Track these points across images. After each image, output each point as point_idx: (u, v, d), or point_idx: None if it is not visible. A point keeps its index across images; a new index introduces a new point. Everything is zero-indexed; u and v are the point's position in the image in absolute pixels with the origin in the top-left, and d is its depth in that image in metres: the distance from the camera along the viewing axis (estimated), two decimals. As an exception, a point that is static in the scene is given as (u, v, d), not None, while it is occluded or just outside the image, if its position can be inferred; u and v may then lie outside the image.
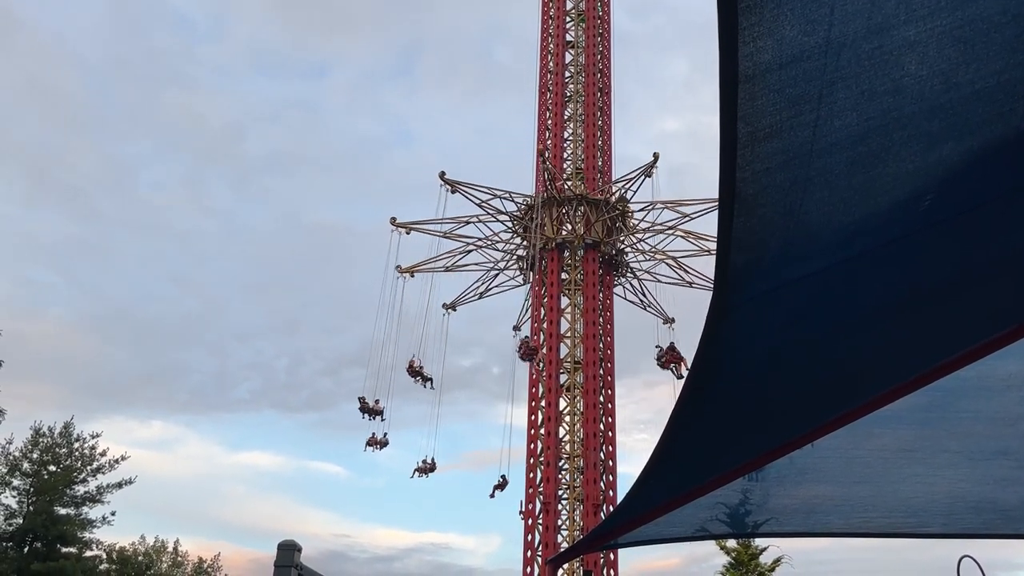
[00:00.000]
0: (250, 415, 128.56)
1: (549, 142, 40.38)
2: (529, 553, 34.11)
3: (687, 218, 38.17)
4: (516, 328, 41.59)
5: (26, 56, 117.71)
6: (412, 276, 39.73)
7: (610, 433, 36.58)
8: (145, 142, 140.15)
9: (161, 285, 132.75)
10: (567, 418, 36.63)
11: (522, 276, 40.62)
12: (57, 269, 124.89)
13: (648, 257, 40.17)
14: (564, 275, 38.04)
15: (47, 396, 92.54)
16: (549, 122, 41.47)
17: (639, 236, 39.67)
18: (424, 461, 37.27)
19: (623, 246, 39.87)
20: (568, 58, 42.87)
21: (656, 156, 38.70)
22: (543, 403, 36.38)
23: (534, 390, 37.16)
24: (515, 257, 40.26)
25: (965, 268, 3.35)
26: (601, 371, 36.95)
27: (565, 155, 40.87)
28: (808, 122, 2.20)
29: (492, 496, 36.54)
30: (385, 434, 37.41)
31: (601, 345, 37.00)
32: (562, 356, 37.38)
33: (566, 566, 32.30)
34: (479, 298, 41.67)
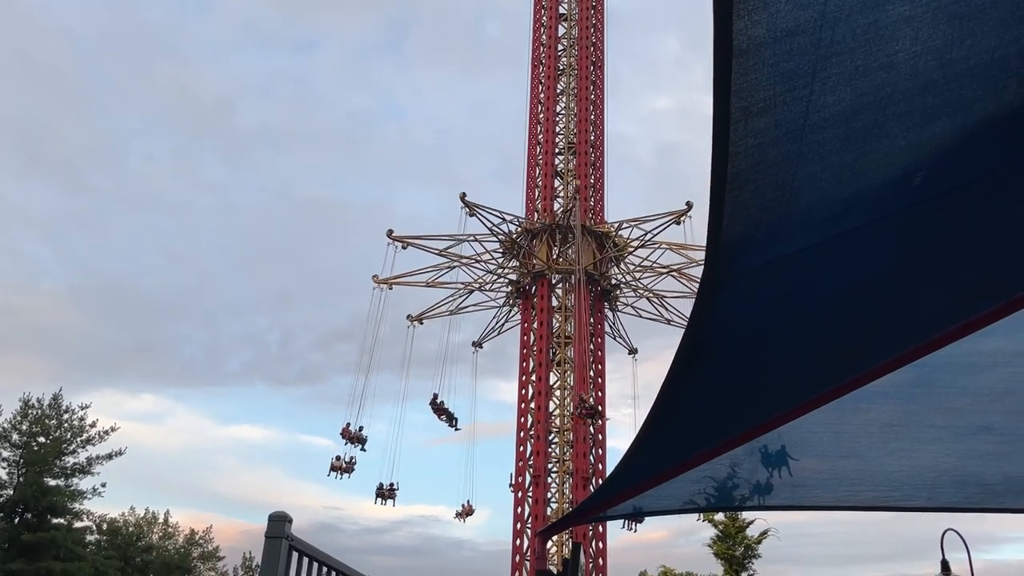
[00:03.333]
0: (241, 388, 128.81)
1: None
2: (519, 525, 34.41)
3: (694, 263, 36.92)
4: (478, 345, 41.42)
5: (16, 29, 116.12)
6: (391, 288, 39.01)
7: (600, 408, 36.79)
8: (136, 116, 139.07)
9: (153, 259, 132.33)
10: (557, 392, 36.79)
11: (508, 299, 40.10)
12: (48, 242, 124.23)
13: (639, 295, 39.93)
14: (555, 302, 37.69)
15: (37, 368, 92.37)
16: (542, 95, 41.20)
17: (635, 274, 39.29)
18: (338, 458, 35.90)
19: (616, 280, 39.42)
20: (561, 31, 42.52)
21: (690, 205, 36.61)
22: (534, 377, 36.50)
23: (525, 364, 37.26)
24: (506, 280, 39.79)
25: (954, 245, 3.36)
26: (592, 345, 37.08)
27: (558, 128, 40.63)
28: (801, 97, 2.19)
29: (376, 503, 36.02)
30: (361, 428, 36.06)
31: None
32: (553, 330, 37.48)
33: (555, 538, 32.58)
34: (449, 315, 40.90)
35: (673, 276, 37.98)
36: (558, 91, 41.31)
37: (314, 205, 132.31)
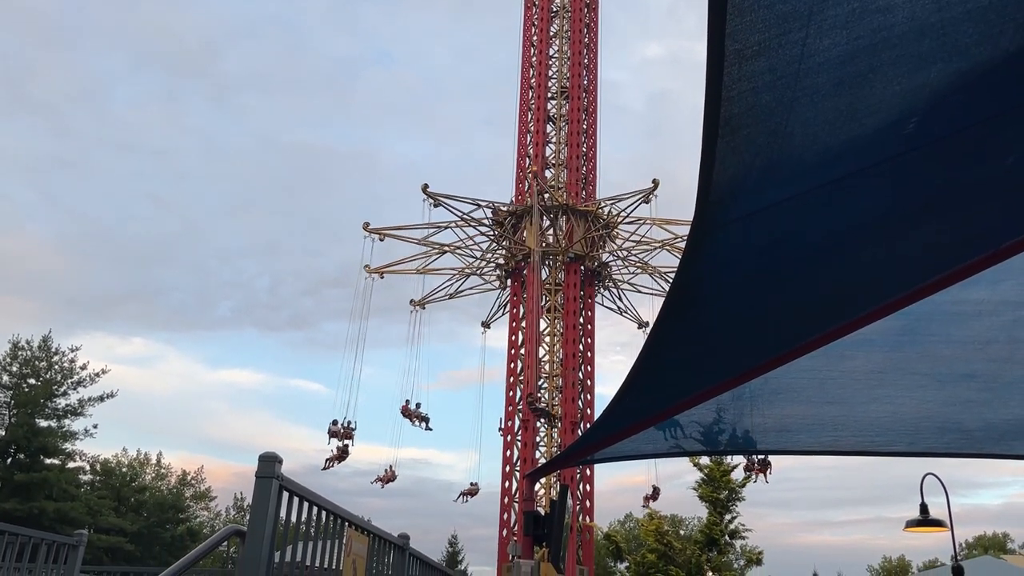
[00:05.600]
0: (231, 333, 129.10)
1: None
2: (508, 468, 34.92)
3: (680, 239, 36.26)
4: (486, 325, 40.77)
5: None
6: (382, 277, 38.03)
7: (589, 354, 37.05)
8: (119, 57, 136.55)
9: (140, 203, 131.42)
10: (547, 339, 37.00)
11: (499, 282, 39.27)
12: (33, 185, 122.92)
13: (632, 271, 39.27)
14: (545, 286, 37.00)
15: (25, 311, 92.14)
16: (534, 38, 40.51)
17: (625, 251, 38.59)
18: (335, 422, 34.86)
19: (607, 259, 38.61)
20: (555, -30, 41.63)
21: (656, 183, 36.27)
22: (523, 324, 36.65)
23: (515, 311, 37.38)
24: (494, 265, 38.90)
25: (944, 194, 3.35)
26: (582, 293, 37.15)
27: (550, 73, 40.06)
28: (796, 40, 2.15)
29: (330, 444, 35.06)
30: (419, 404, 35.64)
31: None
32: (542, 280, 37.53)
33: (543, 481, 33.14)
34: (448, 298, 40.24)
35: (667, 249, 37.47)
36: (551, 33, 40.60)
37: (301, 151, 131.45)
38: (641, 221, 37.32)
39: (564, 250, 36.26)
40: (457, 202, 37.28)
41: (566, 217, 36.67)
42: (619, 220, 37.43)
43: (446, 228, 38.05)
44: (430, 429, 36.04)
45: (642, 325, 41.35)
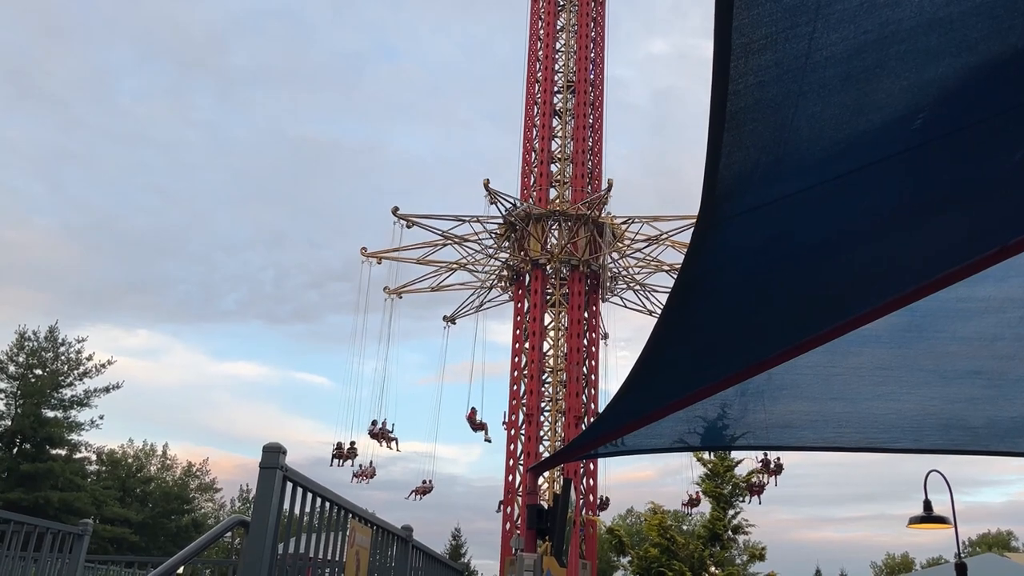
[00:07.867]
0: (236, 326, 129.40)
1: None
2: (511, 462, 34.96)
3: (665, 234, 36.47)
4: (451, 320, 40.33)
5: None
6: (379, 263, 37.66)
7: (593, 348, 37.05)
8: (126, 50, 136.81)
9: (145, 196, 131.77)
10: (551, 333, 37.01)
11: (500, 281, 38.88)
12: (41, 178, 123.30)
13: (624, 285, 38.98)
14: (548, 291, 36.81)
15: (31, 302, 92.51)
16: (541, 32, 40.42)
17: (627, 270, 38.22)
18: (374, 423, 34.78)
19: (611, 266, 38.25)
20: (562, -36, 41.49)
21: (610, 183, 36.76)
22: (528, 318, 36.65)
23: (519, 305, 37.38)
24: (499, 263, 38.52)
25: (951, 189, 3.34)
26: (586, 288, 37.13)
27: (557, 67, 39.97)
28: (804, 34, 2.14)
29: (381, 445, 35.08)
30: (474, 410, 35.68)
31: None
32: (548, 273, 37.50)
33: (546, 474, 33.18)
34: (430, 291, 39.84)
35: (668, 273, 37.10)
36: (558, 27, 40.49)
37: (307, 144, 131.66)
38: (658, 241, 37.07)
39: (581, 261, 36.12)
40: (507, 199, 36.96)
41: (580, 227, 36.45)
42: (659, 238, 37.00)
43: (467, 222, 37.73)
44: (489, 440, 36.13)
45: (605, 336, 41.28)
